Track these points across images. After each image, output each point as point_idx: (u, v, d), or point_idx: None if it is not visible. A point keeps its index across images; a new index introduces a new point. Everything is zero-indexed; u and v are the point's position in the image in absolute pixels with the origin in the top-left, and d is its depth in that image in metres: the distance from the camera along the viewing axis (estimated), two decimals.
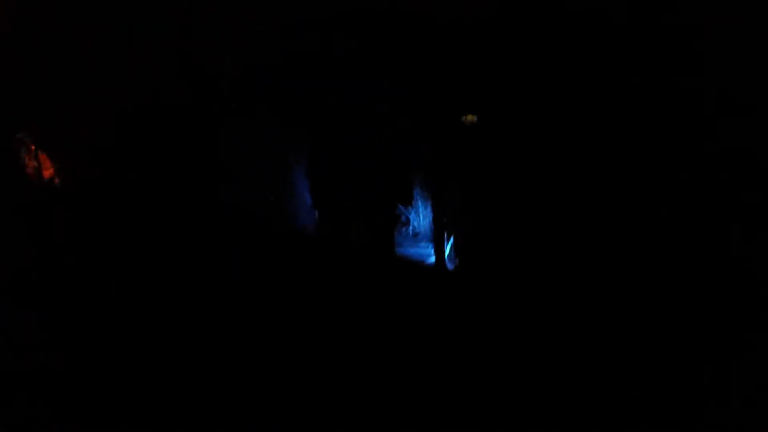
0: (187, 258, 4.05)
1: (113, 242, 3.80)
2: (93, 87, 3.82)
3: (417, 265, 6.44)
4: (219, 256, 4.24)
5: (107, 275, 3.70)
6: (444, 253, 6.42)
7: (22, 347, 3.10)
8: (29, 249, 3.43)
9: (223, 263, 4.22)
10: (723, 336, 3.20)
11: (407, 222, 7.99)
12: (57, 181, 3.52)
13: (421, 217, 7.61)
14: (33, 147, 3.54)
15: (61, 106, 3.67)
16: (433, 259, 6.62)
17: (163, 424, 2.90)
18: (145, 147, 4.16)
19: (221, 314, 3.85)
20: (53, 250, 3.53)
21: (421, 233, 7.60)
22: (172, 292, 3.81)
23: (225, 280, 4.10)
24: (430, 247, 7.17)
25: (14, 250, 3.34)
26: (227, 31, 4.51)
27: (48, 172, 3.55)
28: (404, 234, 7.85)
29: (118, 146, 3.98)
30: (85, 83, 3.78)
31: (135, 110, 4.04)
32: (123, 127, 4.00)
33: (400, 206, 7.61)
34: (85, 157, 3.82)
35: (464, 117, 5.27)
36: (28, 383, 2.99)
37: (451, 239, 6.58)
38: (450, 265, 6.43)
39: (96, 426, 2.85)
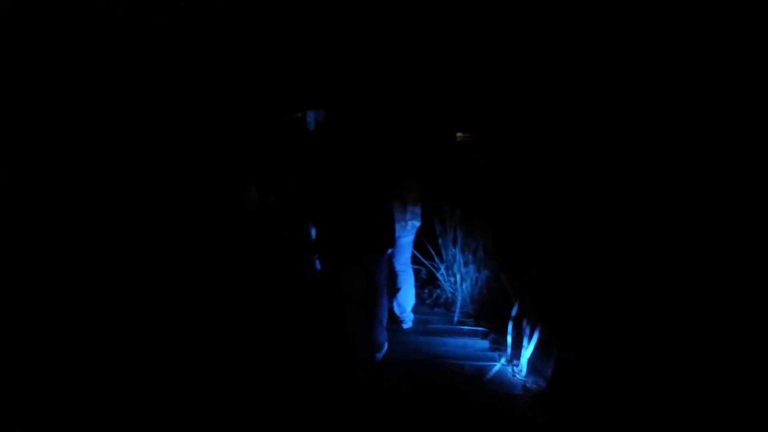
0: (185, 259, 3.93)
1: (112, 243, 3.66)
2: (90, 88, 3.63)
3: (469, 386, 3.48)
4: (217, 257, 4.07)
5: (105, 276, 3.57)
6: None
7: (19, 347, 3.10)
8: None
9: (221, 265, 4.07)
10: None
11: (429, 281, 5.09)
12: None
13: (458, 277, 4.69)
14: None
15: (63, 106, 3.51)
16: (500, 363, 3.67)
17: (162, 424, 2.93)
18: (145, 147, 3.92)
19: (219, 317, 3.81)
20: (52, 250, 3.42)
21: (457, 303, 4.67)
22: (168, 294, 3.74)
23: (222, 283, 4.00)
24: (482, 335, 4.26)
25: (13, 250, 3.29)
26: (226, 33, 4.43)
27: None
28: (428, 301, 4.94)
29: (117, 146, 3.78)
30: (82, 84, 3.58)
31: (135, 110, 3.87)
32: (122, 128, 3.80)
33: (415, 253, 4.70)
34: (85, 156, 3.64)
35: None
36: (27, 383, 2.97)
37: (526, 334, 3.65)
38: (527, 380, 3.51)
39: (95, 426, 2.85)
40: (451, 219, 4.65)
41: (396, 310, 4.24)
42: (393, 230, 3.68)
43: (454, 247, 4.65)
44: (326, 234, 3.66)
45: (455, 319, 4.41)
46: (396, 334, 4.09)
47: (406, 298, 4.23)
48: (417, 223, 4.08)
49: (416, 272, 5.10)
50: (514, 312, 3.68)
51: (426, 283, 5.16)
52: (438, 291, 4.94)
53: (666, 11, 3.23)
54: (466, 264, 4.55)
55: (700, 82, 3.08)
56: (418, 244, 4.77)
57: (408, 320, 4.29)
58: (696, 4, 3.08)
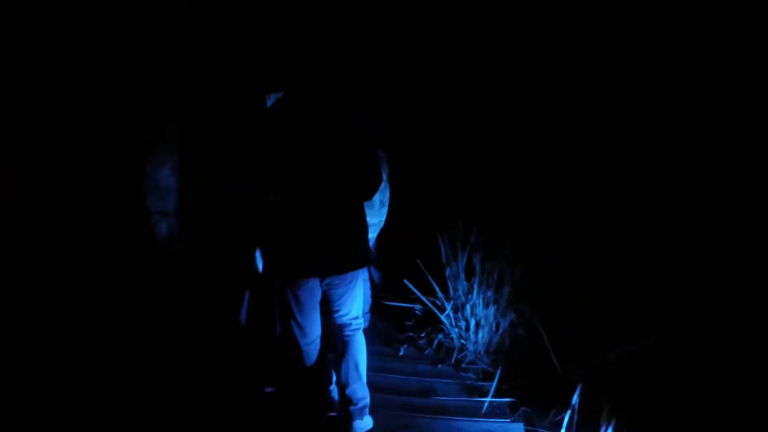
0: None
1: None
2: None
3: None
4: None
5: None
6: None
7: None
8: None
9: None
10: None
11: (427, 321, 3.75)
12: None
13: (471, 322, 3.40)
14: None
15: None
16: None
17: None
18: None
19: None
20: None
21: (469, 356, 3.38)
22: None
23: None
24: (509, 410, 2.97)
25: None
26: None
27: None
28: (427, 351, 3.61)
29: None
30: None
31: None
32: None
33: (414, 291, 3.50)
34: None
35: None
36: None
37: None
38: None
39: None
40: (466, 240, 3.34)
41: None
42: (368, 241, 2.59)
43: (468, 280, 3.35)
44: (273, 248, 2.48)
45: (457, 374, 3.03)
46: (384, 411, 2.76)
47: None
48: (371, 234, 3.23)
49: (408, 310, 3.81)
50: (575, 398, 2.39)
51: (421, 323, 3.83)
52: (440, 336, 3.61)
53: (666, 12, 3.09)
54: (486, 305, 3.24)
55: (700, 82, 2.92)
56: (414, 274, 3.49)
57: (365, 321, 3.22)
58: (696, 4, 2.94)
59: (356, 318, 2.62)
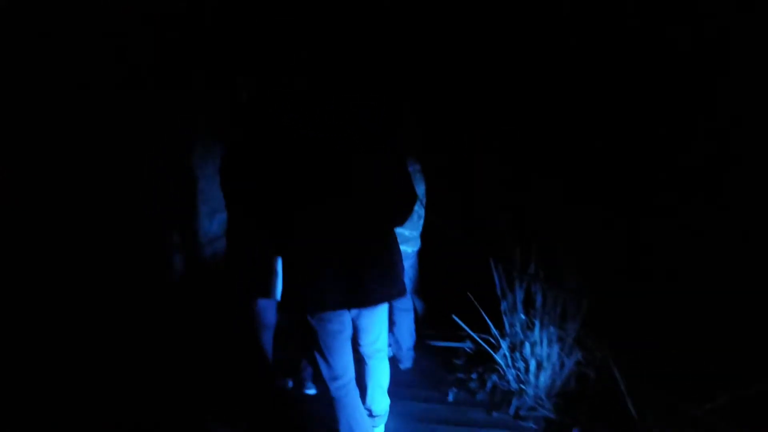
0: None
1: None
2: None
3: None
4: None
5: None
6: None
7: None
8: None
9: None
10: None
11: (479, 360, 3.31)
12: None
13: (531, 363, 2.97)
14: None
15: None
16: None
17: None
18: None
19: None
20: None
21: (528, 402, 2.93)
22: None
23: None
24: None
25: None
26: None
27: None
28: (479, 395, 3.16)
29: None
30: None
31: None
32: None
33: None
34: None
35: None
36: None
37: None
38: None
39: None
40: (524, 267, 2.93)
41: (391, 348, 3.36)
42: (402, 270, 2.32)
43: (526, 314, 2.92)
44: (296, 278, 2.20)
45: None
46: None
47: (404, 334, 3.37)
48: (409, 249, 3.13)
49: (457, 348, 3.41)
50: None
51: (471, 361, 3.40)
52: (494, 377, 3.16)
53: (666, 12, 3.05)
54: (549, 343, 2.80)
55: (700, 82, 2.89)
56: (462, 306, 3.11)
57: (407, 359, 3.44)
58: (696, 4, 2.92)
59: (382, 345, 2.45)
